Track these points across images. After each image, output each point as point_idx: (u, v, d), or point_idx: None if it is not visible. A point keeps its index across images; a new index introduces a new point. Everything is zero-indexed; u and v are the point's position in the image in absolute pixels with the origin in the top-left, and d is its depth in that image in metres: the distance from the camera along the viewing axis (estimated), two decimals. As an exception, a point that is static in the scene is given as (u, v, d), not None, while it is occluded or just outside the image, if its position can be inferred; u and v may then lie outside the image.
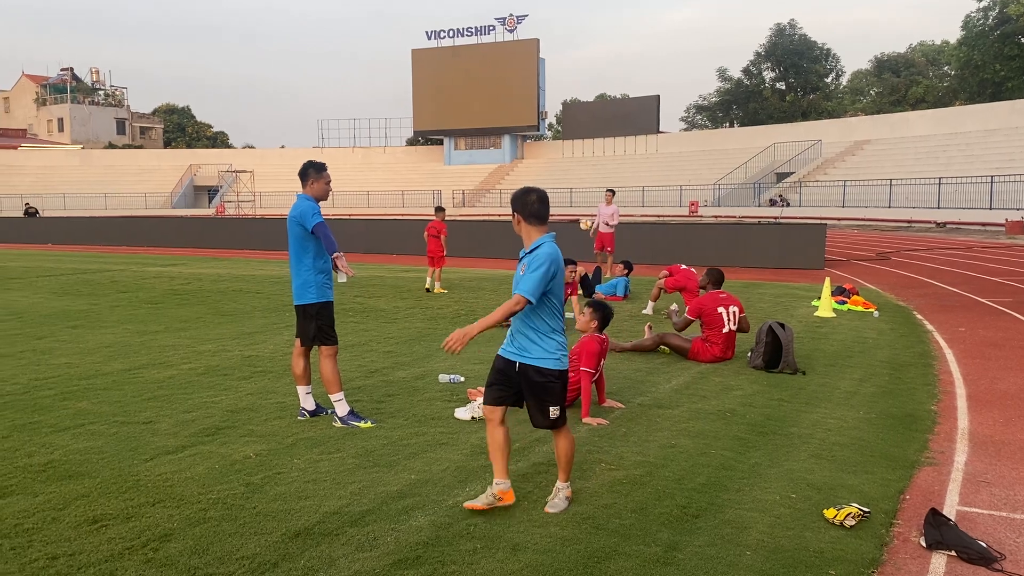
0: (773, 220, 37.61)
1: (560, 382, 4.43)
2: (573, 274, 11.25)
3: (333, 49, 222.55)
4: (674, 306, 10.38)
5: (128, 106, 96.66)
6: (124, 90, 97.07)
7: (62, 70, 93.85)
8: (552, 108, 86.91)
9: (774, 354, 8.09)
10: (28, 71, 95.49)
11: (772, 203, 47.28)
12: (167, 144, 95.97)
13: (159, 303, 13.43)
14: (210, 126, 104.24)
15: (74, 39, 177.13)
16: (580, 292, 13.65)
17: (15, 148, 76.71)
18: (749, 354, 8.45)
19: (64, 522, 4.28)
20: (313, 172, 6.23)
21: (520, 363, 4.41)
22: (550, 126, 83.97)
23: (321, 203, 6.31)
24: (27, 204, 50.95)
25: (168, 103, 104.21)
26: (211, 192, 71.53)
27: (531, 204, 4.38)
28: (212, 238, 29.52)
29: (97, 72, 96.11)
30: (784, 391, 7.27)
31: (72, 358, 8.72)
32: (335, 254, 6.17)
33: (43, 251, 28.69)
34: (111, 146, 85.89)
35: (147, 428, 6.04)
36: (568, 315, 11.31)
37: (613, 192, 17.35)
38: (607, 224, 16.92)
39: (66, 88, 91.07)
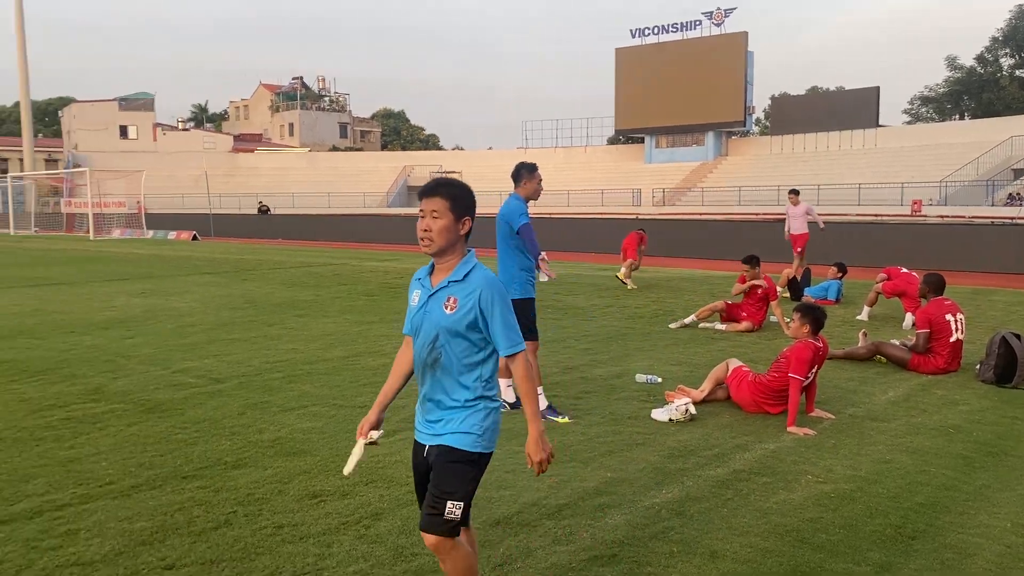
0: (1010, 220, 34.15)
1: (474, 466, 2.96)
2: (757, 279, 10.59)
3: (534, 50, 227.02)
4: (863, 332, 9.33)
5: (350, 111, 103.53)
6: (346, 96, 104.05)
7: (293, 79, 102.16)
8: (760, 103, 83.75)
9: (1007, 367, 7.35)
10: (264, 81, 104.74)
11: (1011, 201, 42.92)
12: (384, 147, 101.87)
13: (375, 295, 14.30)
14: (423, 129, 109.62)
15: (304, 50, 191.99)
16: (783, 296, 13.10)
17: (252, 151, 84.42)
18: (978, 367, 7.73)
19: (289, 495, 4.67)
20: (525, 172, 6.41)
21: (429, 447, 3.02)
22: (757, 122, 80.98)
23: (530, 203, 6.48)
24: (260, 202, 55.86)
25: (385, 107, 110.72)
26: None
27: (475, 206, 3.02)
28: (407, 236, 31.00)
29: (323, 80, 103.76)
30: (1018, 408, 6.59)
31: (298, 344, 9.48)
32: (539, 256, 6.33)
33: (274, 246, 31.40)
34: (334, 149, 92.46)
35: (362, 412, 6.41)
36: (771, 318, 10.85)
37: (797, 192, 16.44)
38: (800, 226, 16.02)
39: (296, 95, 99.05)
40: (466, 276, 2.93)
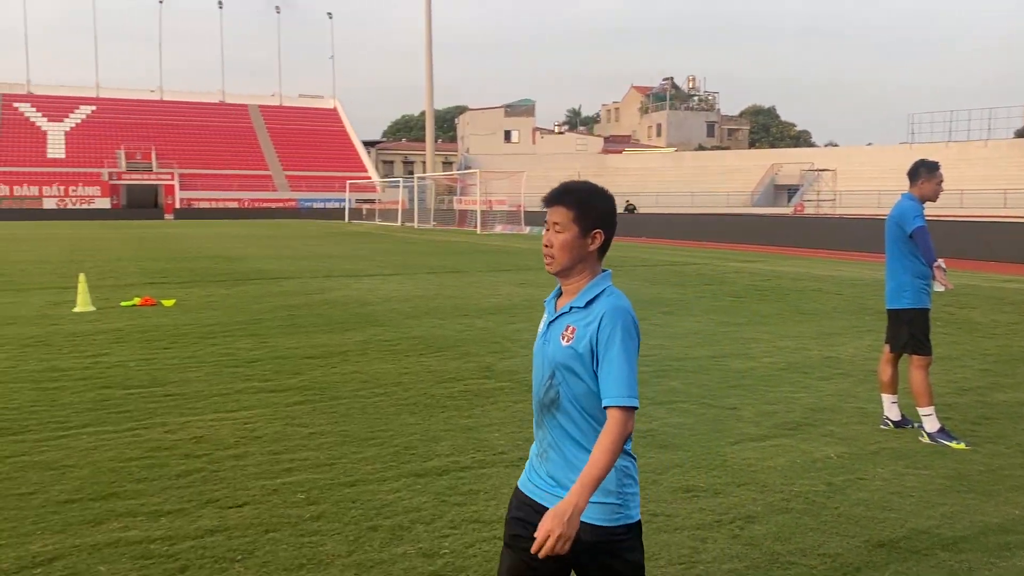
0: None
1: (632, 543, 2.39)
2: None
3: (925, 38, 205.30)
4: None
5: (718, 109, 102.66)
6: (715, 95, 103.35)
7: (663, 80, 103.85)
8: None
9: None
10: (635, 84, 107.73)
11: None
12: (751, 144, 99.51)
13: (740, 297, 14.08)
14: (793, 125, 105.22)
15: (675, 51, 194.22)
16: None
17: (620, 152, 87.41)
18: None
19: (662, 486, 4.82)
20: (924, 171, 5.90)
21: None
22: None
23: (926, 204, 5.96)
24: (628, 201, 57.58)
25: (754, 104, 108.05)
26: (790, 191, 72.18)
27: (613, 217, 2.48)
28: (790, 236, 29.84)
29: (693, 80, 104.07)
30: None
31: (664, 340, 9.67)
32: (935, 264, 5.79)
33: (638, 243, 32.25)
34: (700, 148, 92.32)
35: (731, 413, 6.42)
36: None
37: None
38: None
39: (665, 96, 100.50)
40: (590, 303, 2.39)
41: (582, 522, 2.22)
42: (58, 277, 16.79)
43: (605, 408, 2.27)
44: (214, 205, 67.51)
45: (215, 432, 5.89)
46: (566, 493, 2.24)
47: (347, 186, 66.66)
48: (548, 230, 2.42)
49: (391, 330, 10.38)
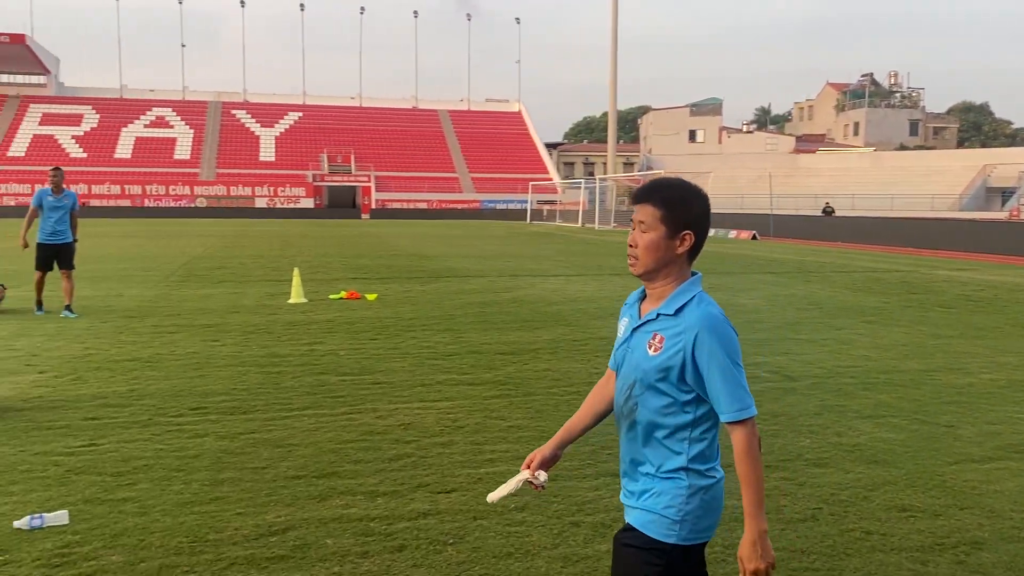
0: None
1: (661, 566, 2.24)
2: None
3: None
4: None
5: (923, 107, 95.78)
6: (920, 91, 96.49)
7: (862, 76, 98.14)
8: None
9: None
10: (831, 80, 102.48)
11: None
12: (960, 144, 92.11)
13: (951, 307, 13.09)
14: (1009, 123, 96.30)
15: (875, 46, 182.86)
16: None
17: (813, 152, 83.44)
18: None
19: (874, 503, 4.59)
20: None
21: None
22: None
23: None
24: (827, 203, 54.74)
25: (965, 101, 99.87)
26: (1005, 194, 66.15)
27: (706, 218, 2.35)
28: (1005, 243, 27.36)
29: (895, 75, 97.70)
30: None
31: (869, 351, 9.17)
32: None
33: (835, 248, 30.67)
34: (902, 147, 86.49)
35: (948, 432, 6.01)
36: None
37: None
38: None
39: (864, 93, 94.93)
40: (679, 310, 2.25)
41: (633, 528, 2.28)
42: (272, 271, 18.24)
43: (726, 424, 2.20)
44: (406, 206, 70.83)
45: (421, 420, 6.21)
46: (636, 504, 2.30)
47: (529, 187, 67.89)
48: (634, 229, 2.31)
49: (579, 330, 10.49)
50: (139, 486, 4.79)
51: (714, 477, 2.28)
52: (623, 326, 2.41)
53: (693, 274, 2.32)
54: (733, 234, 39.94)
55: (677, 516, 2.22)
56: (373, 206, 70.32)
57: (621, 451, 2.41)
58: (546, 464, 2.56)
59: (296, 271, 13.62)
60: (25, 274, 13.65)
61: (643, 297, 2.39)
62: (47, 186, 11.23)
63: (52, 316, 11.19)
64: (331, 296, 13.58)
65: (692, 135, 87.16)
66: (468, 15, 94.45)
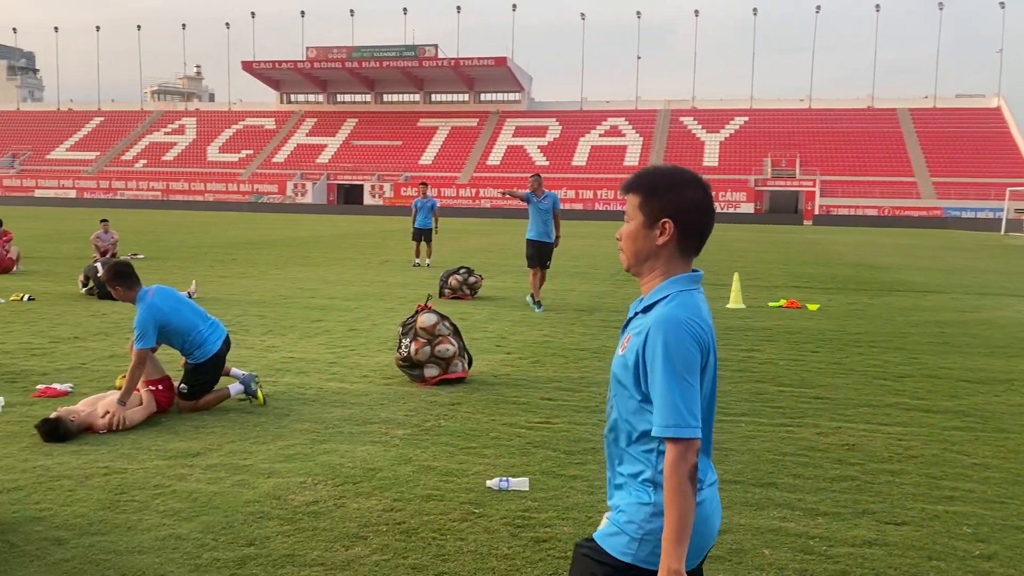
0: None
1: None
2: None
3: None
4: None
5: None
6: None
7: None
8: None
9: None
10: None
11: None
12: None
13: None
14: None
15: None
16: None
17: None
18: None
19: None
20: None
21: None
22: None
23: None
24: None
25: None
26: None
27: (700, 206, 2.07)
28: None
29: None
30: None
31: None
32: None
33: None
34: None
35: None
36: None
37: None
38: None
39: None
40: (649, 308, 2.08)
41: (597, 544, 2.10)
42: (712, 275, 18.43)
43: (657, 439, 2.00)
44: (852, 212, 66.57)
45: (867, 442, 5.79)
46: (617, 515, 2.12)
47: (1007, 194, 59.23)
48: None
49: (1069, 363, 8.89)
50: (587, 466, 5.19)
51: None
52: None
53: (694, 271, 2.13)
54: None
55: (637, 534, 2.04)
56: (816, 212, 67.26)
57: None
58: None
59: (736, 276, 13.59)
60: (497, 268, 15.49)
61: None
62: (528, 190, 12.20)
63: (516, 304, 12.63)
64: (770, 303, 13.30)
65: None
66: (940, 3, 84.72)
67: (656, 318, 2.03)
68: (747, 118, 79.76)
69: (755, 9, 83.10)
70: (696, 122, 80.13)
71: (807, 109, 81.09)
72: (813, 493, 4.79)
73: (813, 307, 12.91)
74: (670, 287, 2.09)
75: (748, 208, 68.42)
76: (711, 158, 74.65)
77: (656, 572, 1.99)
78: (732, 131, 78.58)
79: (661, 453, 2.03)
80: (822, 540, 4.13)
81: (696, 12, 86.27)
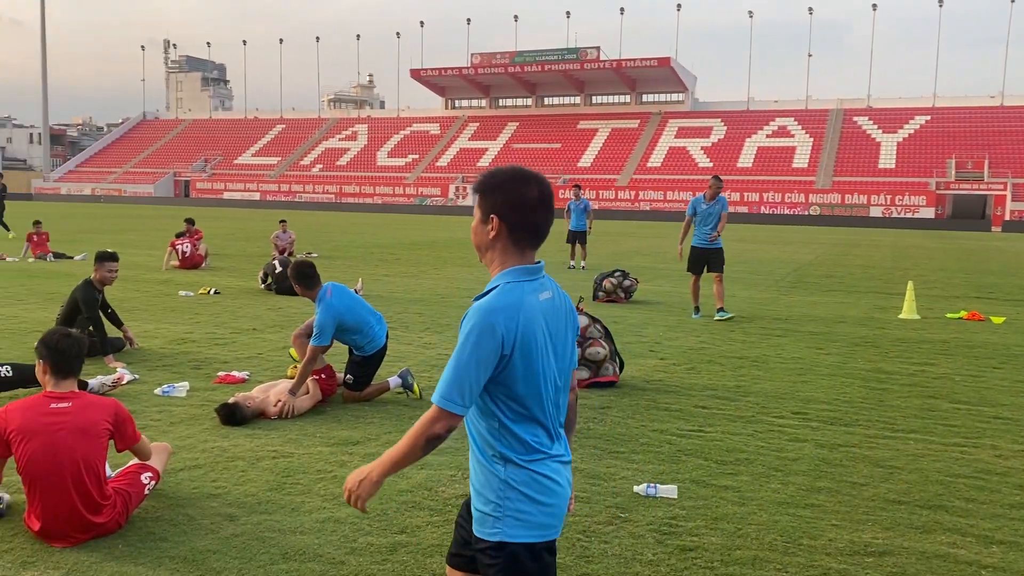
0: None
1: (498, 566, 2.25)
2: None
3: None
4: None
5: None
6: None
7: None
8: None
9: None
10: None
11: None
12: None
13: None
14: None
15: None
16: None
17: None
18: None
19: None
20: None
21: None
22: None
23: None
24: None
25: None
26: None
27: (527, 203, 2.26)
28: None
29: None
30: None
31: None
32: None
33: None
34: None
35: None
36: None
37: None
38: None
39: None
40: (483, 296, 2.24)
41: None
42: (883, 283, 17.40)
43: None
44: (1049, 218, 60.90)
45: (1055, 469, 5.30)
46: (476, 500, 2.30)
47: None
48: None
49: None
50: (740, 477, 5.04)
51: (530, 468, 2.23)
52: None
53: (537, 263, 2.29)
54: None
55: (499, 511, 2.22)
56: (1007, 217, 61.98)
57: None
58: None
59: (910, 285, 12.76)
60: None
61: None
62: (700, 194, 11.78)
63: (672, 308, 12.43)
64: (948, 315, 12.40)
65: None
66: None
67: (474, 305, 2.23)
68: (928, 117, 74.70)
69: (940, 1, 77.63)
70: (871, 122, 75.86)
71: (998, 107, 75.00)
72: (988, 519, 4.44)
73: (998, 320, 11.92)
74: (501, 278, 2.27)
75: (928, 213, 64.05)
76: (887, 159, 70.44)
77: (537, 546, 2.24)
78: (911, 131, 73.81)
79: (503, 428, 2.25)
80: (996, 570, 3.83)
81: (874, 6, 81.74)
